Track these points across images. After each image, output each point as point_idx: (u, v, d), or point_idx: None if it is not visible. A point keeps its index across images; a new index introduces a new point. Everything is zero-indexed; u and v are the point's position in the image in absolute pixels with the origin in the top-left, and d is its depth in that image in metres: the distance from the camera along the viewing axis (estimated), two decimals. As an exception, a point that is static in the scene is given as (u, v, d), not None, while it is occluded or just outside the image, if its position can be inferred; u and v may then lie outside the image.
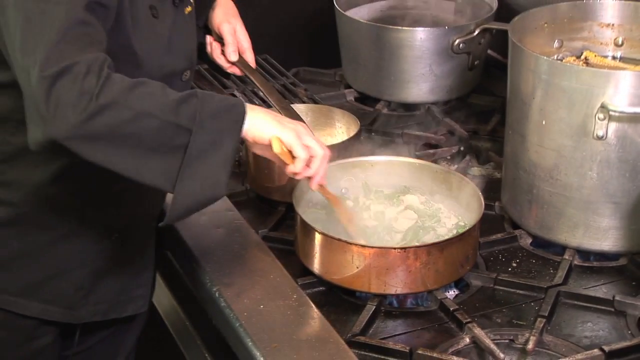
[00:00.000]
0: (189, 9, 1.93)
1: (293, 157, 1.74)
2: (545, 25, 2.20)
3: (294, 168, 1.74)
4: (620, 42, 2.21)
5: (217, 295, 1.86)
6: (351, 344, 1.75)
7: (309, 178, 1.79)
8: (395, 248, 1.89)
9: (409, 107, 2.63)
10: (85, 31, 1.58)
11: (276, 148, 1.70)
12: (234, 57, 2.16)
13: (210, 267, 1.94)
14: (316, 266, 1.95)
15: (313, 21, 2.80)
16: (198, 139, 1.59)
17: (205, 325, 1.99)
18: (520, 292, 1.96)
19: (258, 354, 1.69)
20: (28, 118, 1.57)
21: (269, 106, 2.25)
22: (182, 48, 1.90)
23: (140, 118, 1.56)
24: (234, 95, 2.55)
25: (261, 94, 2.39)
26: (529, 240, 2.12)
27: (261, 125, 1.70)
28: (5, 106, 1.76)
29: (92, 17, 1.60)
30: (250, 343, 1.72)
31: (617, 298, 1.91)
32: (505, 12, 2.53)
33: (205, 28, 2.18)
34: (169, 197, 2.01)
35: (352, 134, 2.29)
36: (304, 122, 2.08)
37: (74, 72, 1.51)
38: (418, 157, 2.23)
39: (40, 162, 1.81)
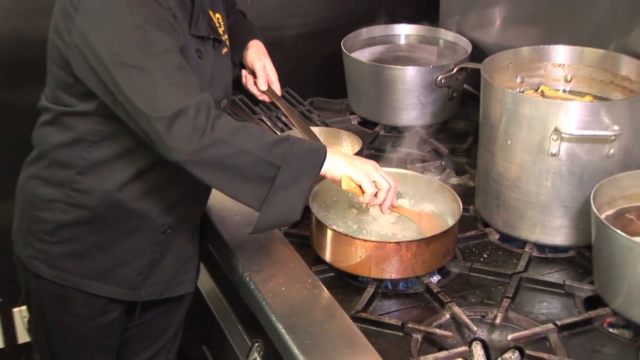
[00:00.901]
0: (225, 50, 1.94)
1: (362, 192, 1.78)
2: (510, 65, 2.20)
3: (364, 199, 1.80)
4: (569, 79, 2.21)
5: (247, 279, 1.87)
6: (355, 318, 1.76)
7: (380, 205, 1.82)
8: (390, 242, 1.89)
9: (401, 130, 2.62)
10: (183, 77, 1.65)
11: (344, 186, 1.76)
12: (264, 87, 2.17)
13: (242, 257, 1.95)
14: (327, 256, 1.95)
15: (325, 61, 2.80)
16: (284, 174, 1.65)
17: (239, 303, 1.99)
18: (490, 277, 1.96)
19: (280, 326, 1.71)
20: (156, 148, 1.65)
21: (290, 128, 2.26)
22: (220, 81, 1.91)
23: (241, 154, 1.62)
24: (262, 120, 2.55)
25: (284, 118, 2.39)
26: (497, 237, 2.12)
27: (336, 167, 1.74)
28: (84, 130, 1.78)
29: (182, 61, 1.67)
30: (274, 318, 1.74)
31: (567, 282, 1.92)
32: (478, 55, 2.54)
33: (241, 64, 2.19)
34: (211, 201, 2.03)
35: (356, 150, 2.29)
36: (319, 140, 2.09)
37: (188, 114, 1.58)
38: (409, 169, 2.22)
39: (109, 174, 1.83)
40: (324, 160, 1.72)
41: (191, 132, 1.58)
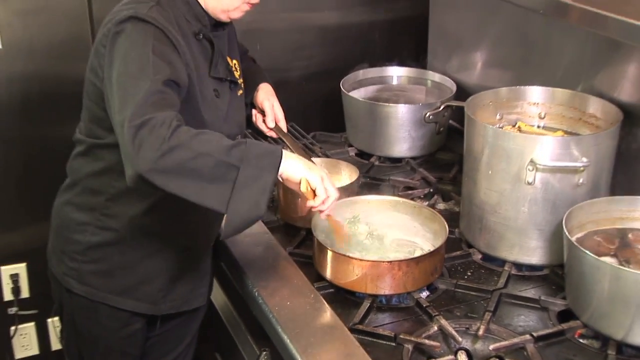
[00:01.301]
0: (240, 91, 1.96)
1: (314, 195, 1.73)
2: (490, 103, 2.21)
3: (313, 203, 1.74)
4: (543, 116, 2.21)
5: (256, 294, 1.88)
6: (352, 330, 1.76)
7: (320, 210, 1.78)
8: (384, 261, 1.89)
9: (394, 160, 2.62)
10: (162, 97, 1.61)
11: (303, 187, 1.71)
12: (272, 125, 2.18)
13: (251, 274, 1.95)
14: (327, 274, 1.95)
15: (326, 99, 2.81)
16: (244, 173, 1.59)
17: (248, 315, 1.99)
18: (473, 293, 1.96)
19: (285, 337, 1.71)
20: (124, 161, 1.59)
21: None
22: (235, 118, 1.92)
23: (200, 157, 1.56)
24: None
25: (290, 150, 2.40)
26: (479, 256, 2.12)
27: (293, 168, 1.69)
28: (112, 160, 1.78)
29: (168, 89, 1.63)
30: (280, 328, 1.74)
31: (542, 298, 1.92)
32: (461, 94, 2.55)
33: (251, 104, 2.20)
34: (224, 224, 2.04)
35: (353, 179, 2.28)
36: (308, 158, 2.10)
37: (151, 124, 1.53)
38: (400, 196, 2.22)
39: (135, 201, 1.83)
40: (281, 160, 1.66)
41: (153, 140, 1.53)
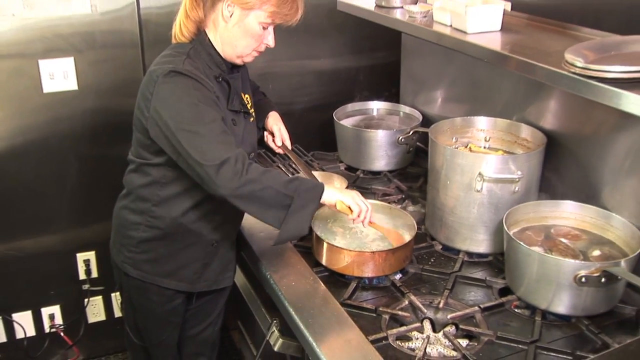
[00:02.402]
0: (252, 119, 1.96)
1: (351, 211, 1.80)
2: (448, 129, 2.20)
3: (352, 216, 1.81)
4: (487, 139, 2.20)
5: (268, 277, 1.87)
6: (342, 304, 1.76)
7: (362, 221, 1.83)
8: (367, 251, 1.88)
9: (374, 173, 2.60)
10: (225, 137, 1.66)
11: (339, 207, 1.79)
12: (279, 144, 2.18)
13: (265, 261, 1.94)
14: (324, 261, 1.93)
15: (322, 126, 2.80)
16: (296, 203, 1.66)
17: (262, 292, 1.98)
18: (435, 275, 1.95)
19: (291, 309, 1.71)
20: (207, 188, 1.66)
21: (298, 172, 2.25)
22: (249, 141, 1.92)
23: (266, 189, 1.63)
24: (278, 167, 2.54)
25: (294, 165, 2.38)
26: (440, 247, 2.10)
27: (331, 196, 1.76)
28: (157, 175, 1.79)
29: (224, 127, 1.68)
30: (287, 303, 1.74)
31: (487, 278, 1.91)
32: (426, 122, 2.53)
33: (263, 128, 2.18)
34: (244, 223, 2.01)
35: (344, 187, 2.27)
36: (317, 179, 2.08)
37: (230, 162, 1.60)
38: (380, 201, 2.19)
39: (174, 205, 1.84)
40: (323, 192, 1.73)
41: (232, 174, 1.60)
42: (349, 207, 1.79)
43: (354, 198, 1.79)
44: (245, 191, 1.61)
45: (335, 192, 1.78)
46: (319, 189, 1.73)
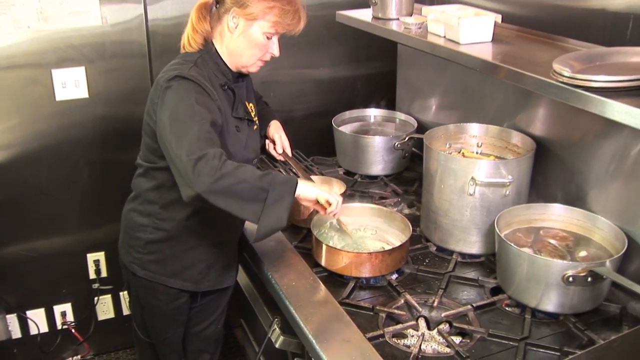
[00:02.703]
0: (255, 127, 1.96)
1: (329, 204, 1.77)
2: (442, 135, 2.19)
3: (330, 209, 1.78)
4: (480, 145, 2.19)
5: (270, 276, 1.87)
6: (341, 303, 1.75)
7: (334, 214, 1.80)
8: (365, 252, 1.88)
9: (372, 178, 2.60)
10: (209, 137, 1.62)
11: (321, 201, 1.76)
12: (280, 151, 2.17)
13: (266, 261, 1.94)
14: (323, 262, 1.92)
15: (322, 132, 2.80)
16: (271, 196, 1.61)
17: (264, 292, 1.97)
18: (430, 275, 1.94)
19: (292, 308, 1.71)
20: (180, 184, 1.60)
21: (298, 176, 2.25)
22: (252, 147, 1.92)
23: (241, 183, 1.58)
24: (280, 171, 2.53)
25: (294, 170, 2.38)
26: (434, 248, 2.09)
27: (307, 190, 1.72)
28: (163, 179, 1.78)
29: (211, 129, 1.64)
30: (287, 302, 1.74)
31: (479, 278, 1.91)
32: (421, 129, 2.53)
33: (265, 136, 2.18)
34: (246, 227, 2.02)
35: (342, 191, 2.26)
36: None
37: (207, 157, 1.55)
38: (377, 204, 2.19)
39: (180, 208, 1.83)
40: (297, 185, 1.68)
41: (209, 169, 1.55)
42: (327, 201, 1.76)
43: (330, 193, 1.77)
44: (221, 186, 1.56)
45: (313, 187, 1.75)
46: (293, 181, 1.69)
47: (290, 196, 1.66)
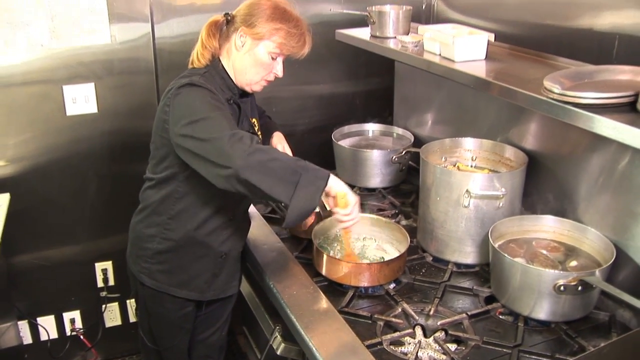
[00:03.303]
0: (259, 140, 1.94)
1: (346, 206, 1.66)
2: (438, 149, 2.20)
3: (345, 212, 1.67)
4: (474, 159, 2.20)
5: (272, 286, 1.87)
6: (340, 312, 1.76)
7: (346, 224, 1.70)
8: (364, 262, 1.88)
9: (370, 190, 2.60)
10: (234, 124, 1.64)
11: (340, 198, 1.65)
12: None
13: (269, 271, 1.94)
14: (323, 271, 1.93)
15: (322, 145, 2.80)
16: (304, 179, 1.55)
17: (266, 300, 1.97)
18: (426, 285, 1.95)
19: (293, 316, 1.70)
20: (211, 171, 1.57)
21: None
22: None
23: (274, 160, 1.55)
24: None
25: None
26: (431, 258, 2.10)
27: (338, 184, 1.65)
28: (170, 191, 1.78)
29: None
30: (288, 310, 1.74)
31: (474, 287, 1.91)
32: (418, 143, 2.54)
33: (268, 147, 2.17)
34: (249, 236, 2.01)
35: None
36: None
37: (239, 135, 1.56)
38: (375, 215, 2.19)
39: (187, 220, 1.83)
40: (329, 176, 1.62)
41: (242, 145, 1.53)
42: (347, 204, 1.66)
43: (357, 203, 1.70)
44: (255, 161, 1.52)
45: (343, 184, 1.67)
46: (325, 172, 1.61)
47: (322, 182, 1.59)
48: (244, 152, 1.52)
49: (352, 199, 1.67)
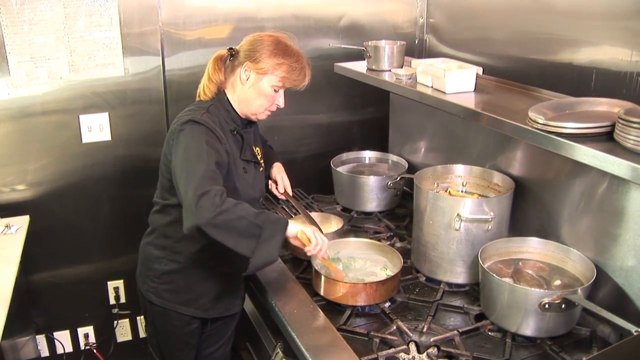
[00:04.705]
0: (261, 169, 1.96)
1: (309, 242, 1.74)
2: (430, 176, 2.20)
3: (309, 248, 1.75)
4: (464, 184, 2.20)
5: (274, 304, 1.86)
6: (339, 329, 1.75)
7: (317, 254, 1.78)
8: (360, 283, 1.87)
9: (367, 214, 2.59)
10: (214, 175, 1.62)
11: (300, 235, 1.72)
12: (282, 191, 2.18)
13: (270, 290, 1.93)
14: (322, 291, 1.92)
15: (321, 172, 2.80)
16: (265, 233, 1.60)
17: (268, 318, 1.96)
18: (420, 304, 1.93)
19: (293, 334, 1.69)
20: (184, 216, 1.58)
21: (298, 213, 2.25)
22: (258, 187, 1.92)
23: (239, 219, 1.57)
24: (283, 208, 2.53)
25: (294, 209, 2.39)
26: (424, 279, 2.08)
27: (294, 228, 1.71)
28: (177, 215, 1.78)
29: (216, 168, 1.64)
30: (290, 328, 1.72)
31: (465, 306, 1.90)
32: (411, 169, 2.56)
33: (268, 176, 2.19)
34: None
35: (339, 227, 2.27)
36: (317, 224, 2.08)
37: (210, 194, 1.55)
38: (371, 238, 2.20)
39: (193, 242, 1.82)
40: (287, 225, 1.69)
41: (210, 205, 1.55)
42: (309, 239, 1.75)
43: (314, 232, 1.76)
44: (220, 221, 1.55)
45: (298, 225, 1.74)
46: (284, 220, 1.69)
47: (281, 234, 1.67)
48: (210, 213, 1.54)
49: (309, 232, 1.74)
